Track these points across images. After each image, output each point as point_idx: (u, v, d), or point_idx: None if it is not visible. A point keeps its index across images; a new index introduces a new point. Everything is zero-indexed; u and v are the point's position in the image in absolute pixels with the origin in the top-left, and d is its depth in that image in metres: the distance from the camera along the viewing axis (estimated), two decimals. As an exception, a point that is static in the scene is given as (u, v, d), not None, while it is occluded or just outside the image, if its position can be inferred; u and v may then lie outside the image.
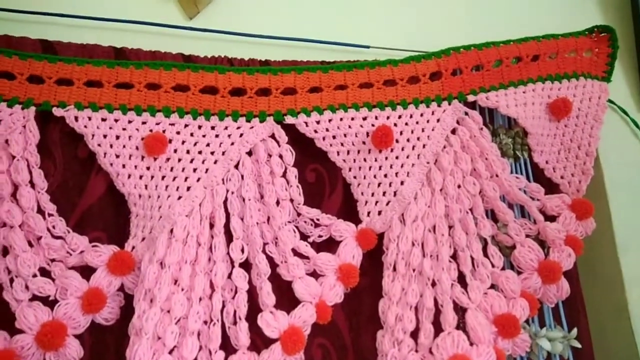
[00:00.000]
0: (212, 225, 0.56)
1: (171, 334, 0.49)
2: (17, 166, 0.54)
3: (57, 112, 0.57)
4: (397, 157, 0.61)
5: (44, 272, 0.53)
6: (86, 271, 0.54)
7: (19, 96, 0.57)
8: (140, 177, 0.57)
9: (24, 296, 0.51)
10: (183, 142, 0.58)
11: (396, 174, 0.61)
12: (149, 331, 0.48)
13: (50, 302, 0.52)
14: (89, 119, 0.57)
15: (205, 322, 0.52)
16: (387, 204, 0.60)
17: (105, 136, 0.57)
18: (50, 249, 0.53)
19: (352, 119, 0.62)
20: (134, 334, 0.50)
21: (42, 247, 0.53)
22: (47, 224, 0.53)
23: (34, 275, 0.51)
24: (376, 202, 0.60)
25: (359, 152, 0.62)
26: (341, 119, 0.62)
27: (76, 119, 0.57)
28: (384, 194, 0.60)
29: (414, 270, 0.57)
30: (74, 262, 0.53)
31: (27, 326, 0.50)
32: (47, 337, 0.49)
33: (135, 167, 0.57)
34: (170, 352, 0.49)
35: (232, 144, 0.59)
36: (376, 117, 0.62)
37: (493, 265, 0.58)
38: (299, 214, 0.59)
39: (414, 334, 0.55)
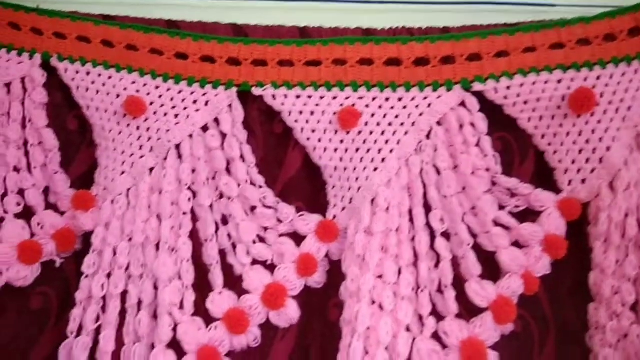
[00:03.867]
0: (409, 196, 0.57)
1: (387, 298, 0.51)
2: (229, 142, 0.59)
3: (256, 91, 0.61)
4: (599, 122, 0.57)
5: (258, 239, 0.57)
6: (292, 238, 0.57)
7: (220, 78, 0.62)
8: (335, 150, 0.59)
9: (247, 260, 0.56)
10: (372, 115, 0.60)
11: (600, 139, 0.56)
12: (365, 295, 0.51)
13: (267, 266, 0.56)
14: (285, 96, 0.60)
15: (412, 289, 0.54)
16: (592, 171, 0.56)
17: (300, 112, 0.60)
18: (263, 217, 0.57)
19: (546, 82, 0.58)
20: (349, 297, 0.52)
21: (256, 216, 0.57)
22: (259, 195, 0.58)
23: (254, 242, 0.56)
24: (578, 170, 0.57)
25: (553, 117, 0.58)
26: (533, 83, 0.58)
27: (274, 97, 0.60)
28: (587, 161, 0.57)
29: (630, 241, 0.53)
30: (283, 230, 0.57)
31: (253, 287, 0.55)
32: (272, 297, 0.53)
33: (330, 140, 0.59)
34: (386, 316, 0.52)
35: (421, 114, 0.59)
36: (572, 80, 0.58)
37: None
38: (494, 184, 0.58)
39: (632, 307, 0.52)
